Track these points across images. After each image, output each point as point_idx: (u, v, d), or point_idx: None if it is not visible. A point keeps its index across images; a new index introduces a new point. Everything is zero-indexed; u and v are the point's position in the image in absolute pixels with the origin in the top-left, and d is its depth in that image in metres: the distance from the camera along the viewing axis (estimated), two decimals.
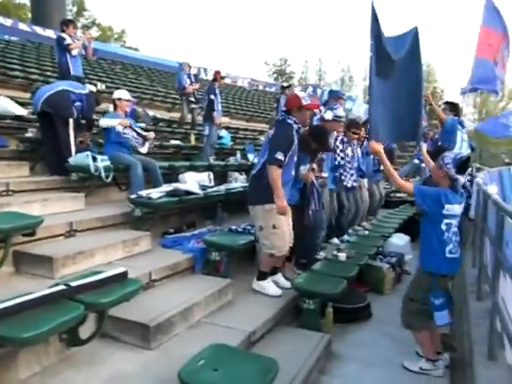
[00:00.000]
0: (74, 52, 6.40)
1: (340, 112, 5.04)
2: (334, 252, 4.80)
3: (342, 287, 3.73)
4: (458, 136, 5.69)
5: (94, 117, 5.95)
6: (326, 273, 4.10)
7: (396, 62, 3.58)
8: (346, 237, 5.77)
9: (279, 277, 4.13)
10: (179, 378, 2.12)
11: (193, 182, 5.24)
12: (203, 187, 5.23)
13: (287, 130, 3.78)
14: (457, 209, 3.07)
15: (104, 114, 5.97)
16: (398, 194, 9.05)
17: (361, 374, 3.16)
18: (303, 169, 4.31)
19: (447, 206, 3.02)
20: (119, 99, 5.41)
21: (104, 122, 5.16)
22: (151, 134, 5.60)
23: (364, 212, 6.52)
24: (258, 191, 3.78)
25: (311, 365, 2.99)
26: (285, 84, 13.35)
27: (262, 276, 3.97)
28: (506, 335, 2.48)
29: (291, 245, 3.94)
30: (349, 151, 5.73)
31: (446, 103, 6.26)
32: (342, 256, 4.60)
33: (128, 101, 5.52)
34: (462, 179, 3.07)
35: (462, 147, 5.64)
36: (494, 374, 2.48)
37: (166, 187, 4.82)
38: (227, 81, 26.36)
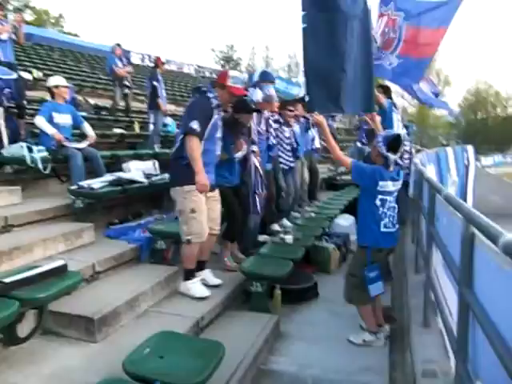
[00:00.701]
0: (3, 36, 5.99)
1: (271, 91, 4.89)
2: (281, 235, 4.88)
3: (288, 269, 3.81)
4: (394, 118, 5.90)
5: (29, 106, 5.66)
6: (272, 255, 4.17)
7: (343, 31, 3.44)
8: (285, 221, 5.60)
9: (207, 273, 3.80)
10: (124, 368, 2.09)
11: (137, 170, 5.12)
12: (148, 176, 5.12)
13: (204, 101, 3.54)
14: (390, 186, 3.20)
15: (41, 104, 5.64)
16: (343, 177, 9.32)
17: (307, 351, 3.26)
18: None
19: (381, 183, 3.15)
20: (56, 87, 5.15)
21: (39, 122, 4.89)
22: (90, 140, 5.31)
23: (304, 192, 6.56)
24: (176, 172, 3.54)
25: (259, 346, 3.04)
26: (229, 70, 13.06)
27: (188, 274, 3.59)
28: (437, 304, 2.65)
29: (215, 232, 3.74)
30: (286, 132, 5.60)
31: (380, 86, 6.40)
32: (289, 238, 4.70)
33: (66, 87, 5.27)
34: (393, 157, 3.16)
35: (398, 127, 5.87)
36: (427, 338, 2.65)
37: (109, 177, 4.68)
38: (173, 67, 25.83)
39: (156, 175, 5.26)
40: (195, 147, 3.35)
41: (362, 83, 3.60)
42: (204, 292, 3.52)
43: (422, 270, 3.46)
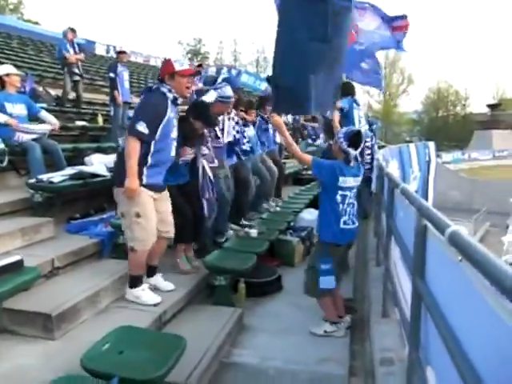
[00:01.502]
0: None
1: (227, 91, 4.46)
2: (246, 229, 4.89)
3: (251, 262, 3.83)
4: (354, 114, 6.04)
5: None
6: (236, 249, 4.18)
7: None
8: (243, 221, 5.35)
9: (158, 279, 3.53)
10: (82, 365, 2.06)
11: (100, 164, 5.00)
12: (111, 169, 5.01)
13: (158, 98, 3.24)
14: (351, 181, 3.26)
15: None
16: (309, 172, 9.42)
17: (270, 343, 3.29)
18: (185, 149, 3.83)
19: (341, 179, 3.20)
20: (7, 75, 4.95)
21: None
22: (53, 127, 5.15)
23: (270, 188, 6.50)
24: (121, 171, 3.14)
25: (222, 339, 3.06)
26: (196, 63, 12.74)
27: (135, 281, 3.28)
28: (394, 295, 2.73)
29: (170, 234, 3.49)
30: (249, 131, 5.52)
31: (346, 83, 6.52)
32: (254, 232, 4.72)
33: (17, 75, 5.07)
34: (354, 152, 3.23)
35: (360, 124, 5.98)
36: (386, 328, 2.73)
37: (70, 170, 4.56)
38: (139, 60, 25.35)
39: None
40: (134, 150, 3.06)
41: (330, 86, 3.54)
42: (155, 299, 3.26)
43: (382, 263, 3.56)
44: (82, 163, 5.22)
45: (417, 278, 1.82)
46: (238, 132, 5.08)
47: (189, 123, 3.87)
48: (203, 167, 4.04)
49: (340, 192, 3.23)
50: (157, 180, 3.29)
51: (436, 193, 12.39)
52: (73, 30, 9.37)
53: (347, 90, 6.03)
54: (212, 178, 4.15)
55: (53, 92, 9.68)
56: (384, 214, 3.80)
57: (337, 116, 3.97)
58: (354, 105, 6.14)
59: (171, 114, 3.29)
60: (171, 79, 3.30)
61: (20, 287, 2.55)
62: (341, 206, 3.24)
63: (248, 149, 5.31)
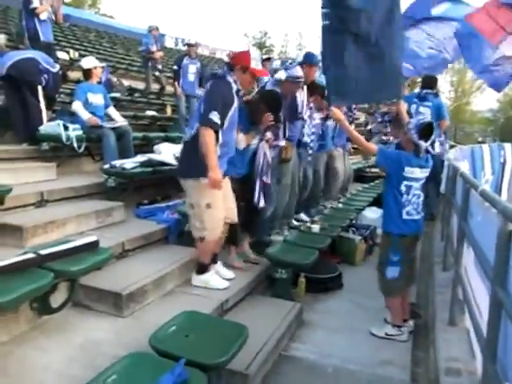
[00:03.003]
0: (43, 16, 6.09)
1: (297, 71, 4.34)
2: (308, 224, 4.87)
3: (313, 258, 3.81)
4: (412, 109, 6.05)
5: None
6: (298, 243, 4.16)
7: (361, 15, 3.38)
8: (302, 215, 5.45)
9: (220, 266, 3.60)
10: (150, 344, 2.15)
11: (168, 153, 5.17)
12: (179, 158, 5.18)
13: (225, 87, 3.20)
14: (417, 172, 3.18)
15: (78, 83, 5.76)
16: (372, 170, 9.18)
17: (328, 340, 3.26)
18: (241, 137, 3.66)
19: (407, 169, 3.13)
20: (95, 67, 5.29)
21: (76, 107, 5.05)
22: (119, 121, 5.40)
23: (340, 184, 6.45)
24: (192, 162, 3.18)
25: (282, 331, 3.07)
26: (264, 56, 12.89)
27: (203, 268, 3.40)
28: (466, 302, 2.60)
29: (234, 221, 3.50)
30: (316, 119, 5.30)
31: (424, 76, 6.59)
32: (316, 228, 4.68)
33: (101, 67, 5.41)
34: (424, 144, 3.15)
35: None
36: (453, 337, 2.61)
37: (140, 157, 4.77)
38: (205, 52, 25.86)
39: None
40: (211, 141, 3.05)
41: (387, 72, 3.48)
42: (223, 283, 3.40)
43: (451, 268, 3.39)
44: (152, 151, 5.43)
45: (497, 286, 1.71)
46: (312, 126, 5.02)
47: (259, 107, 3.76)
48: (264, 151, 3.88)
49: (405, 182, 3.15)
50: (223, 170, 3.29)
51: (511, 197, 11.59)
52: (156, 28, 10.16)
53: (425, 83, 6.08)
54: (269, 161, 3.95)
55: (126, 83, 10.14)
56: (455, 216, 3.61)
57: (403, 106, 3.81)
58: (415, 99, 6.14)
59: (235, 103, 3.26)
60: (241, 72, 3.28)
61: (95, 266, 2.70)
62: (405, 196, 3.17)
63: (309, 141, 5.06)
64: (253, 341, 2.58)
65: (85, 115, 5.01)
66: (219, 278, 3.44)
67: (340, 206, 6.13)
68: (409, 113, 4.91)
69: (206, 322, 2.51)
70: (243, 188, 3.79)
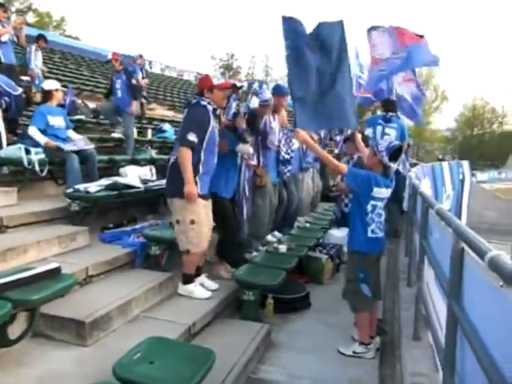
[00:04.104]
0: (3, 38, 6.02)
1: (266, 95, 4.93)
2: (275, 244, 4.90)
3: (280, 278, 3.82)
4: (377, 130, 6.42)
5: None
6: (265, 264, 4.18)
7: (319, 55, 3.71)
8: (276, 233, 5.67)
9: (204, 278, 3.89)
10: (114, 373, 2.09)
11: (134, 175, 5.13)
12: (145, 181, 5.14)
13: (201, 111, 3.59)
14: (384, 192, 3.29)
15: (36, 107, 5.64)
16: (337, 188, 9.35)
17: (298, 361, 3.26)
18: (241, 146, 4.32)
19: (376, 189, 3.22)
20: (57, 90, 5.22)
21: (32, 133, 4.90)
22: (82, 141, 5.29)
23: (305, 205, 6.66)
24: (176, 182, 3.52)
25: (250, 354, 3.05)
26: (238, 83, 13.46)
27: (188, 279, 3.71)
28: (428, 317, 2.67)
29: (208, 239, 3.78)
30: (295, 143, 5.75)
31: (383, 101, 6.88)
32: (283, 248, 4.72)
33: (62, 91, 5.35)
34: (395, 166, 3.28)
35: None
36: (418, 351, 2.66)
37: (105, 181, 4.69)
38: (173, 74, 25.99)
39: (153, 181, 5.28)
40: (187, 157, 3.44)
41: (346, 101, 3.74)
42: (205, 293, 3.69)
43: (414, 284, 3.48)
44: (117, 174, 5.37)
45: (453, 301, 1.78)
46: (287, 153, 5.53)
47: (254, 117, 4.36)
48: (246, 166, 4.44)
49: (372, 202, 3.26)
50: (207, 189, 3.68)
51: (470, 212, 12.05)
52: (141, 56, 10.74)
53: (387, 107, 6.40)
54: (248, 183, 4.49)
55: (90, 105, 10.03)
56: (417, 233, 3.73)
57: (357, 134, 4.12)
58: (380, 121, 6.42)
59: (214, 124, 3.63)
60: (210, 92, 3.66)
61: (57, 294, 2.62)
62: (370, 215, 3.27)
63: (289, 158, 5.57)
64: (221, 365, 2.56)
65: (42, 140, 4.87)
66: (202, 289, 3.72)
67: (307, 225, 6.20)
68: (366, 137, 5.21)
69: (171, 347, 2.47)
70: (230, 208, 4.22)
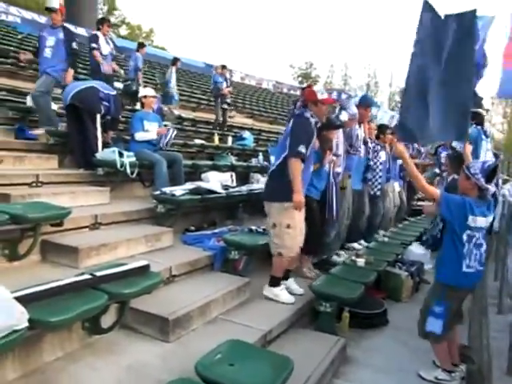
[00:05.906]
0: (105, 51, 6.56)
1: (353, 109, 5.15)
2: (353, 257, 4.79)
3: (359, 292, 3.73)
4: (482, 147, 5.58)
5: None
6: (343, 277, 4.10)
7: (445, 52, 3.42)
8: (362, 242, 5.86)
9: (291, 282, 4.02)
10: (196, 371, 2.16)
11: (215, 181, 5.31)
12: (225, 187, 5.30)
13: (306, 123, 3.74)
14: (481, 221, 2.96)
15: (134, 112, 6.08)
16: (419, 203, 8.94)
17: (374, 380, 3.15)
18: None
19: (471, 218, 2.91)
20: (145, 97, 5.58)
21: (139, 138, 5.39)
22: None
23: (390, 218, 6.57)
24: (278, 188, 3.70)
25: (325, 367, 3.00)
26: (304, 85, 13.94)
27: (275, 282, 3.83)
28: None
29: (301, 245, 3.83)
30: (382, 155, 6.03)
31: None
32: (361, 261, 4.60)
33: (154, 97, 5.68)
34: (492, 189, 2.96)
35: (485, 157, 5.53)
36: None
37: (189, 185, 4.91)
38: (252, 82, 26.55)
39: (233, 187, 5.42)
40: (298, 170, 3.59)
41: (455, 110, 3.45)
42: (290, 298, 3.78)
43: (508, 311, 3.22)
44: (199, 179, 5.59)
45: None
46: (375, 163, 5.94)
47: (320, 135, 4.19)
48: (333, 173, 4.57)
49: (468, 232, 2.93)
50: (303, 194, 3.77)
51: None
52: (223, 67, 11.62)
53: (474, 119, 5.71)
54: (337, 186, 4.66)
55: (176, 112, 10.57)
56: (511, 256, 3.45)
57: (469, 147, 3.75)
58: (482, 136, 5.72)
59: (315, 135, 3.80)
60: (314, 106, 3.81)
61: (146, 290, 2.77)
62: (466, 245, 2.94)
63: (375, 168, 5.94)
64: (296, 374, 2.53)
65: (152, 135, 5.41)
66: (287, 294, 3.82)
67: (386, 239, 6.00)
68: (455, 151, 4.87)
69: (250, 351, 2.50)
70: (322, 205, 4.39)
